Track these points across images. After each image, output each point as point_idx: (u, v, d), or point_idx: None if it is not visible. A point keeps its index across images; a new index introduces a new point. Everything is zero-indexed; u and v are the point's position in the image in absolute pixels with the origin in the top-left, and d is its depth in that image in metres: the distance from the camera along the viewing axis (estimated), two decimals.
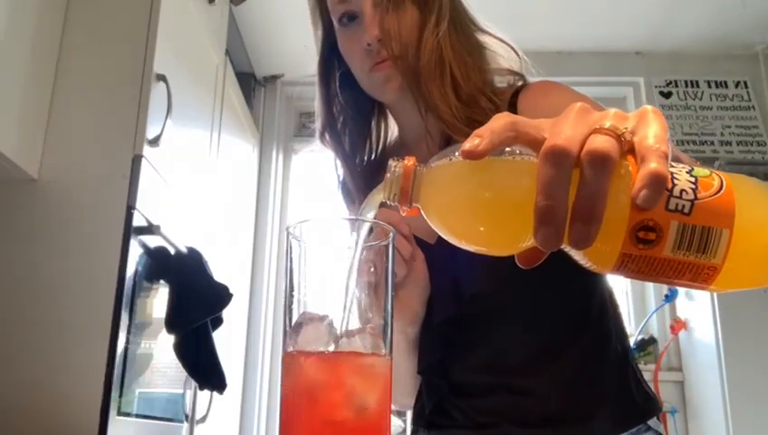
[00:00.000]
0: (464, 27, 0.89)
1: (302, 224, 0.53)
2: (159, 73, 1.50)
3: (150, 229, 1.45)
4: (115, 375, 1.29)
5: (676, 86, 3.04)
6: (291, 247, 0.53)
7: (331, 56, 0.96)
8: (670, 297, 2.65)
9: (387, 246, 0.54)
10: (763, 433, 2.16)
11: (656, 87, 3.04)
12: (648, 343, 2.64)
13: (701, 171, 0.42)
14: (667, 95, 3.03)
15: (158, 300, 1.54)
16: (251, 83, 2.95)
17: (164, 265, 1.52)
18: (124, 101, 1.46)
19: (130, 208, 1.38)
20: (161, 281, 1.54)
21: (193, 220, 1.82)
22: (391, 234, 0.54)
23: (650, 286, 2.76)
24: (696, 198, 0.39)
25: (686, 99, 3.02)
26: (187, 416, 1.76)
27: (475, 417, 0.83)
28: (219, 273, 1.70)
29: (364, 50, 0.85)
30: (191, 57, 1.86)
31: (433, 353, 0.87)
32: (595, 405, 0.79)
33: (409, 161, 0.47)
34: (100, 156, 1.43)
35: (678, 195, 0.39)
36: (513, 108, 0.85)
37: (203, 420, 1.86)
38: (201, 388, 1.67)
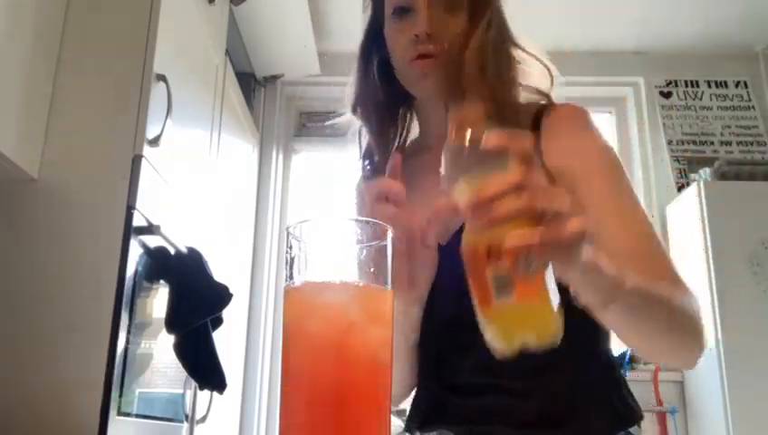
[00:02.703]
0: (505, 40, 0.94)
1: (302, 224, 0.54)
2: (159, 73, 1.50)
3: (150, 229, 1.45)
4: (115, 375, 1.29)
5: (676, 86, 3.04)
6: (291, 247, 0.53)
7: (374, 39, 0.99)
8: None
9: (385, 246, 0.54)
10: (763, 433, 2.17)
11: (656, 87, 3.04)
12: None
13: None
14: (667, 95, 3.03)
15: (158, 300, 1.54)
16: (251, 83, 2.95)
17: (164, 265, 1.52)
18: (124, 101, 1.46)
19: (130, 208, 1.38)
20: (161, 281, 1.54)
21: (193, 220, 1.82)
22: (389, 233, 0.54)
23: None
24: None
25: (686, 99, 3.02)
26: (187, 416, 1.76)
27: (468, 415, 0.85)
28: (219, 273, 1.70)
29: (410, 41, 0.89)
30: (191, 57, 1.86)
31: (430, 353, 0.88)
32: (580, 410, 0.82)
33: None
34: (100, 156, 1.43)
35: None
36: (536, 128, 0.88)
37: (203, 420, 1.86)
38: (201, 388, 1.67)
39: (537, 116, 0.90)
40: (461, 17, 0.90)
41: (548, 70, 0.96)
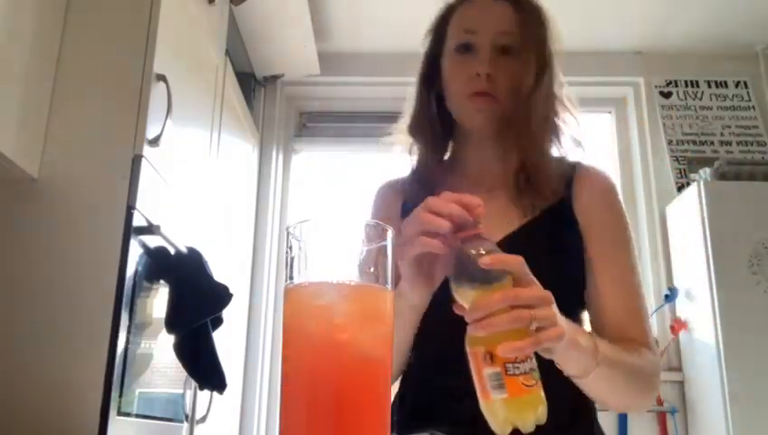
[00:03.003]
0: (550, 95, 1.03)
1: (302, 224, 0.54)
2: (159, 73, 1.50)
3: (150, 229, 1.45)
4: (115, 375, 1.29)
5: (676, 86, 3.04)
6: (291, 247, 0.53)
7: (433, 67, 1.08)
8: (670, 297, 2.65)
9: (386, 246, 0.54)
10: (763, 433, 2.16)
11: (656, 87, 3.04)
12: None
13: None
14: (667, 95, 3.03)
15: (158, 300, 1.54)
16: (251, 83, 2.95)
17: (164, 265, 1.52)
18: (124, 101, 1.46)
19: (130, 208, 1.38)
20: (161, 281, 1.54)
21: (193, 220, 1.82)
22: (389, 233, 0.54)
23: (650, 287, 2.76)
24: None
25: (686, 99, 3.02)
26: (187, 416, 1.76)
27: (457, 417, 0.88)
28: (219, 273, 1.70)
29: (470, 77, 0.98)
30: (191, 57, 1.86)
31: (428, 353, 0.93)
32: (570, 416, 0.93)
33: None
34: (100, 156, 1.43)
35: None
36: (568, 187, 1.01)
37: (203, 420, 1.86)
38: (201, 388, 1.67)
39: (570, 173, 1.02)
40: (517, 63, 0.99)
41: (577, 122, 1.06)
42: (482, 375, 0.64)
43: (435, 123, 1.06)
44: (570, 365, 0.77)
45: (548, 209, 0.99)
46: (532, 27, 1.01)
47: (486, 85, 0.97)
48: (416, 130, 1.08)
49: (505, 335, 0.63)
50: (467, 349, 0.66)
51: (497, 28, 0.99)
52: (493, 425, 0.65)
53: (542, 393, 0.65)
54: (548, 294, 0.68)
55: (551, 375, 0.74)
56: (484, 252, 0.65)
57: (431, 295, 0.80)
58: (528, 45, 0.99)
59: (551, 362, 0.75)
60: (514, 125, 0.98)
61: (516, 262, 0.67)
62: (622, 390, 0.88)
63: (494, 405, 0.64)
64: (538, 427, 0.82)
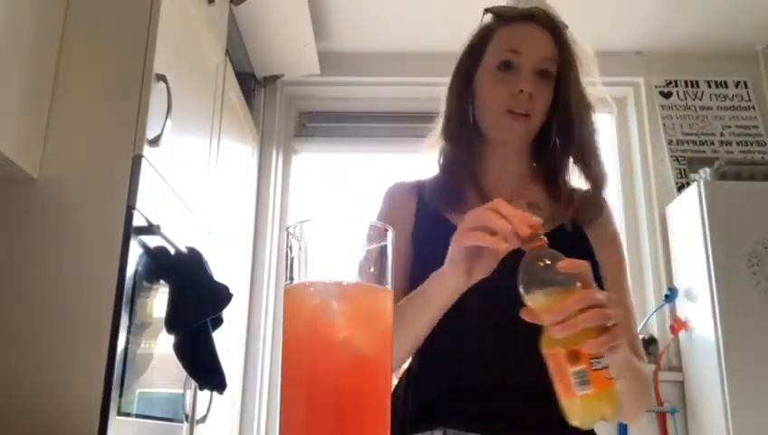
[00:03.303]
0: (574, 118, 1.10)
1: (302, 224, 0.54)
2: (159, 73, 1.50)
3: (150, 229, 1.45)
4: (115, 375, 1.29)
5: (676, 86, 3.04)
6: (291, 247, 0.53)
7: (467, 81, 1.13)
8: (670, 297, 2.65)
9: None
10: (763, 433, 2.17)
11: (656, 87, 3.04)
12: (648, 343, 2.64)
13: None
14: (667, 95, 3.03)
15: (158, 300, 1.54)
16: (251, 83, 2.95)
17: (164, 265, 1.52)
18: (124, 101, 1.46)
19: (130, 208, 1.38)
20: (161, 281, 1.54)
21: (193, 220, 1.82)
22: (389, 233, 0.54)
23: (650, 286, 2.76)
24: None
25: (686, 99, 3.02)
26: (187, 416, 1.76)
27: (481, 415, 0.93)
28: (219, 273, 1.70)
29: (512, 94, 1.04)
30: (191, 57, 1.86)
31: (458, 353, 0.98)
32: None
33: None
34: (100, 156, 1.43)
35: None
36: (579, 206, 1.09)
37: (203, 420, 1.86)
38: (201, 388, 1.67)
39: (576, 194, 1.09)
40: (550, 87, 1.06)
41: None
42: (566, 374, 0.69)
43: (470, 133, 1.11)
44: (612, 367, 0.80)
45: (564, 224, 1.05)
46: (569, 58, 1.09)
47: (526, 104, 1.04)
48: (452, 134, 1.13)
49: (582, 335, 0.69)
50: (545, 351, 0.71)
51: (539, 53, 1.06)
52: (577, 421, 0.70)
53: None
54: (612, 294, 0.74)
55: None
56: (549, 262, 0.72)
57: (464, 289, 0.84)
58: (568, 75, 1.07)
59: None
60: (566, 147, 1.09)
61: (586, 266, 0.73)
62: (638, 395, 0.94)
63: (580, 401, 0.68)
64: (544, 419, 0.86)
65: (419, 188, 1.13)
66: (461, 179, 1.10)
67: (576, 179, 1.12)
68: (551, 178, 1.11)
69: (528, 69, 1.05)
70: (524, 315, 0.73)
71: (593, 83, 1.13)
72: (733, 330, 2.30)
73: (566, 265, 0.71)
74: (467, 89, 1.12)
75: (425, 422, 0.96)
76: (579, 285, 0.72)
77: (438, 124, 1.16)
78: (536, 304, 0.72)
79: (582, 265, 0.73)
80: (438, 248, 0.84)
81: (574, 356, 0.69)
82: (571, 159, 1.10)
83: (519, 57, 1.05)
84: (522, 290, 0.73)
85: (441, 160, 1.15)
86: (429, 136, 1.18)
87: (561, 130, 1.09)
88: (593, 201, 1.09)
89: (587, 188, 1.10)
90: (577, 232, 1.07)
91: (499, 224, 0.74)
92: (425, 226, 1.08)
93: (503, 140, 1.10)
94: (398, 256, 1.03)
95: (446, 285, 0.84)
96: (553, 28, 1.09)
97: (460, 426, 0.93)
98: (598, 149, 1.09)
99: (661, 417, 2.56)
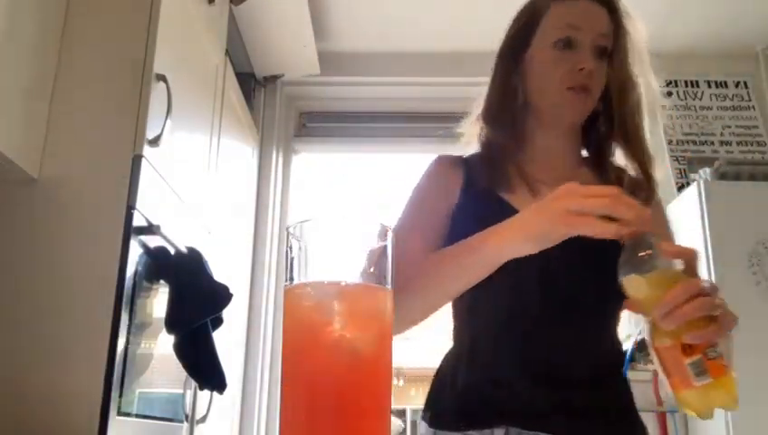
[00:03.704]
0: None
1: (302, 224, 0.54)
2: (159, 73, 1.50)
3: (150, 229, 1.45)
4: (115, 375, 1.29)
5: (676, 86, 3.04)
6: (291, 247, 0.53)
7: (514, 59, 1.09)
8: None
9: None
10: (763, 433, 2.16)
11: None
12: (647, 344, 2.63)
13: None
14: (667, 95, 3.03)
15: (158, 300, 1.54)
16: (251, 83, 2.95)
17: (164, 265, 1.52)
18: (124, 101, 1.46)
19: (130, 208, 1.38)
20: (161, 281, 1.54)
21: (193, 220, 1.82)
22: (390, 233, 0.54)
23: None
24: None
25: (686, 99, 3.02)
26: (187, 416, 1.76)
27: (542, 409, 0.91)
28: (219, 273, 1.70)
29: (572, 71, 1.01)
30: (191, 57, 1.86)
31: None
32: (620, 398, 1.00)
33: None
34: (100, 156, 1.43)
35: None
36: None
37: (203, 420, 1.86)
38: (201, 388, 1.67)
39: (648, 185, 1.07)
40: (605, 64, 1.04)
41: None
42: (682, 366, 0.68)
43: (518, 112, 1.08)
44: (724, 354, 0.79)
45: None
46: (623, 35, 1.06)
47: (587, 81, 1.01)
48: (495, 117, 1.10)
49: (691, 325, 0.68)
50: (655, 345, 0.71)
51: (598, 30, 1.03)
52: (697, 411, 0.70)
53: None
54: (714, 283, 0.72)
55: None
56: (652, 250, 0.70)
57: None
58: (620, 52, 1.05)
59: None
60: (620, 131, 1.06)
61: (692, 252, 0.72)
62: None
63: (700, 391, 0.68)
64: (602, 408, 0.90)
65: (467, 165, 1.10)
66: (506, 163, 1.07)
67: (622, 162, 1.10)
68: (598, 160, 1.09)
69: (588, 46, 1.02)
70: (629, 307, 0.72)
71: (641, 61, 1.08)
72: (732, 329, 2.29)
73: (677, 250, 0.71)
74: (516, 69, 1.08)
75: (483, 416, 0.93)
76: (681, 272, 0.70)
77: (475, 110, 1.13)
78: (640, 293, 0.71)
79: (691, 252, 0.72)
80: (490, 226, 0.84)
81: (689, 347, 0.68)
82: (618, 141, 1.07)
83: (579, 33, 1.03)
84: (623, 279, 0.71)
85: (483, 142, 1.12)
86: (465, 122, 1.15)
87: (609, 111, 1.07)
88: (644, 184, 1.06)
89: (634, 170, 1.08)
90: None
91: (629, 213, 0.72)
92: (474, 202, 1.04)
93: (559, 120, 1.07)
94: (428, 224, 1.02)
95: (512, 252, 0.82)
96: (608, 2, 1.06)
97: (522, 423, 0.91)
98: (644, 131, 1.06)
99: (661, 417, 2.56)
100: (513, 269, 0.84)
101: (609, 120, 1.08)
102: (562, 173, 1.05)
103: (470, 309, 1.01)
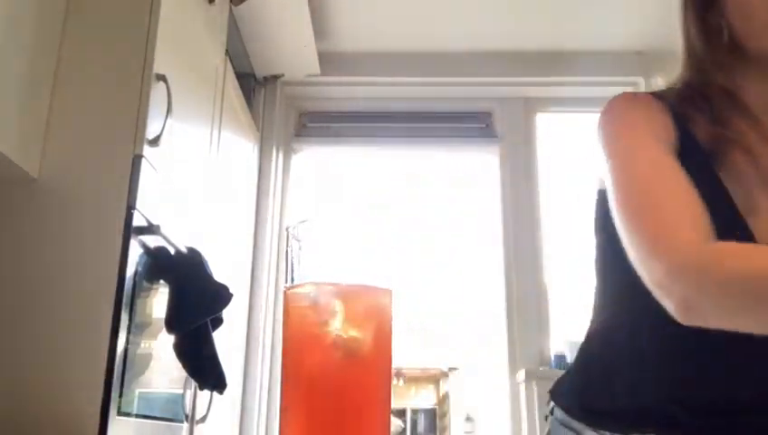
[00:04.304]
0: None
1: (302, 224, 0.54)
2: (159, 73, 1.50)
3: (150, 229, 1.45)
4: (115, 375, 1.29)
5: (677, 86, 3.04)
6: (291, 247, 0.53)
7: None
8: None
9: None
10: None
11: (656, 87, 3.04)
12: None
13: None
14: None
15: (158, 300, 1.54)
16: (251, 83, 2.95)
17: (164, 265, 1.52)
18: (124, 101, 1.46)
19: (130, 208, 1.38)
20: (161, 281, 1.54)
21: (193, 220, 1.82)
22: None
23: None
24: None
25: None
26: (187, 416, 1.76)
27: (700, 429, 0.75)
28: (219, 273, 1.70)
29: None
30: (191, 57, 1.86)
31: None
32: None
33: None
34: (100, 156, 1.43)
35: None
36: None
37: (203, 420, 1.86)
38: (201, 388, 1.67)
39: None
40: None
41: None
42: None
43: (724, 54, 0.99)
44: None
45: None
46: None
47: None
48: (701, 64, 1.02)
49: None
50: None
51: None
52: None
53: None
54: None
55: None
56: None
57: None
58: None
59: None
60: None
61: None
62: None
63: None
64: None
65: (670, 104, 0.99)
66: (724, 109, 0.95)
67: None
68: None
69: None
70: None
71: None
72: None
73: None
74: (714, 6, 0.99)
75: (637, 424, 0.77)
76: None
77: (670, 74, 1.04)
78: None
79: None
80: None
81: None
82: None
83: None
84: None
85: (690, 97, 1.01)
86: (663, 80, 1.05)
87: None
88: None
89: None
90: None
91: None
92: (689, 166, 0.84)
93: None
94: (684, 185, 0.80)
95: None
96: None
97: None
98: None
99: None
100: None
101: None
102: None
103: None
